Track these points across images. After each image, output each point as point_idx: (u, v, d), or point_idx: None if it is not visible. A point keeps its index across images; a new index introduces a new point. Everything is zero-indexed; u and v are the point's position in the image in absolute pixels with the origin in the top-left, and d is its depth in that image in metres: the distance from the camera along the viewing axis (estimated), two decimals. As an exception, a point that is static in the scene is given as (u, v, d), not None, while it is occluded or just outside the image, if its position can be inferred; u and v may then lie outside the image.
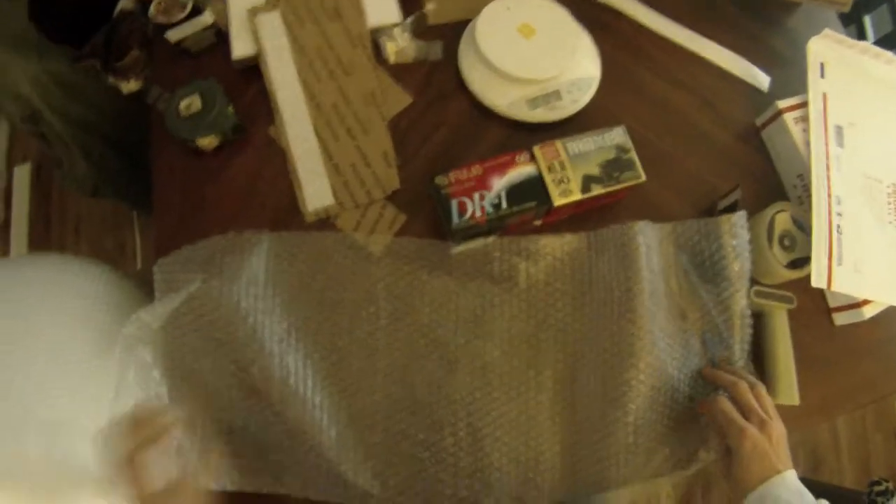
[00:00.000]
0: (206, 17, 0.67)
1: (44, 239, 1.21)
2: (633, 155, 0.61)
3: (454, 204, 0.57)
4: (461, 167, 0.58)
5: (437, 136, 0.66)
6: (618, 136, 0.61)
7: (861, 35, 0.95)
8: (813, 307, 0.70)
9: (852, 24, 0.95)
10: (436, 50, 0.67)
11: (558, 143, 0.60)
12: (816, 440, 1.48)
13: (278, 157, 0.65)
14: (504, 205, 0.58)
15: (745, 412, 0.57)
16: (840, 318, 0.70)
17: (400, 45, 0.67)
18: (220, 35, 0.70)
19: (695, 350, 0.62)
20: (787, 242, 0.65)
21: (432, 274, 0.61)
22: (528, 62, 0.64)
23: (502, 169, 0.59)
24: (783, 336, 0.64)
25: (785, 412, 0.63)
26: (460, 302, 0.61)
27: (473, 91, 0.66)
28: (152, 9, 0.63)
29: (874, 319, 0.67)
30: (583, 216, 0.64)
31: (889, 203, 0.70)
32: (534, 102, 0.65)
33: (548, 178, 0.58)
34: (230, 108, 0.65)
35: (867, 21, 0.95)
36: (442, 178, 0.58)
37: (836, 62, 0.72)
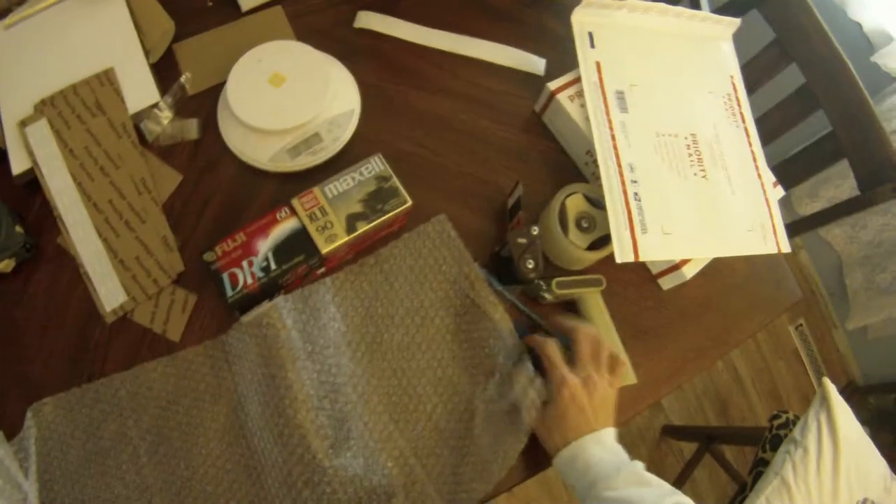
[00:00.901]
0: (-25, 143, 0.68)
1: None
2: (395, 181, 0.61)
3: (225, 277, 0.58)
4: (226, 238, 0.59)
5: (212, 207, 0.66)
6: (375, 166, 0.61)
7: None
8: (638, 278, 0.69)
9: None
10: (190, 129, 0.68)
11: (316, 190, 0.60)
12: (717, 382, 1.45)
13: (71, 266, 0.66)
14: (273, 266, 0.58)
15: (575, 361, 0.57)
16: (665, 283, 0.69)
17: (159, 129, 0.67)
18: (1, 152, 0.71)
19: (510, 340, 0.61)
20: (585, 224, 0.64)
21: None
22: (279, 113, 0.64)
23: (265, 230, 0.59)
24: (601, 319, 0.64)
25: (633, 390, 0.63)
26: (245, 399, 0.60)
27: (235, 153, 0.66)
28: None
29: (702, 275, 0.66)
30: (368, 250, 0.64)
31: (690, 155, 0.68)
32: (295, 151, 0.65)
33: (311, 228, 0.59)
34: (17, 228, 0.66)
35: None
36: (210, 254, 0.59)
37: (605, 27, 0.70)
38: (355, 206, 0.60)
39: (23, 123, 0.69)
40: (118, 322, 0.64)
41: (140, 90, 0.69)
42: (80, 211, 0.67)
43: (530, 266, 0.59)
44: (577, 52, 0.68)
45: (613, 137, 0.67)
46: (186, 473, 0.59)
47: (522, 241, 0.59)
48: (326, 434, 0.58)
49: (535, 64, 0.72)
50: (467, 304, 0.62)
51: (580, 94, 0.68)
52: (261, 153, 0.65)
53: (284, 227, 0.59)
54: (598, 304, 0.65)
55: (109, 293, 0.65)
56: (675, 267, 0.67)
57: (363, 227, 0.59)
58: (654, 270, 0.69)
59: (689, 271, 0.66)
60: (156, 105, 0.68)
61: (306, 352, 0.59)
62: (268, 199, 0.66)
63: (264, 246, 0.59)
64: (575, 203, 0.65)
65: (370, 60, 0.70)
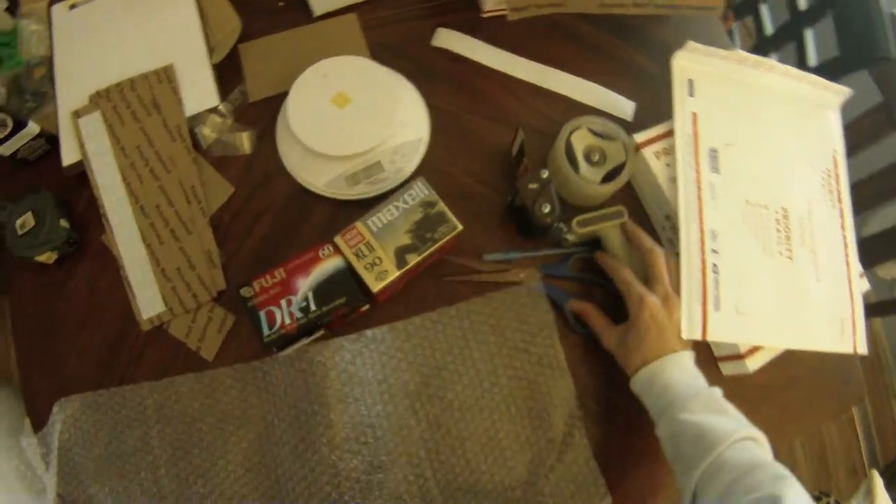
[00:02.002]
0: (31, 129, 0.66)
1: None
2: (441, 206, 0.56)
3: (263, 316, 0.55)
4: (265, 273, 0.56)
5: (261, 226, 0.63)
6: (419, 192, 0.57)
7: (759, 27, 0.82)
8: (700, 357, 0.63)
9: (749, 14, 0.82)
10: (245, 142, 0.64)
11: (359, 225, 0.56)
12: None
13: (113, 265, 0.64)
14: (313, 306, 0.55)
15: (652, 281, 0.55)
16: (726, 369, 0.63)
17: (214, 136, 0.64)
18: (52, 140, 0.69)
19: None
20: (595, 157, 0.60)
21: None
22: (340, 137, 0.60)
23: (306, 268, 0.56)
24: (626, 253, 0.60)
25: None
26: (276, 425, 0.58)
27: (292, 172, 0.62)
28: (-25, 131, 0.63)
29: (767, 365, 0.60)
30: (417, 277, 0.60)
31: (778, 231, 0.61)
32: (353, 178, 0.61)
33: (359, 266, 0.55)
34: (62, 222, 0.65)
35: (764, 11, 0.82)
36: (247, 290, 0.56)
37: (707, 77, 0.63)
38: (403, 238, 0.56)
39: (77, 114, 0.67)
40: (154, 331, 0.62)
41: (199, 92, 0.66)
42: (126, 212, 0.64)
43: (546, 210, 0.56)
44: (673, 99, 0.61)
45: (700, 199, 0.60)
46: (203, 491, 0.58)
47: (534, 186, 0.56)
48: (358, 478, 0.56)
49: (623, 107, 0.65)
50: (537, 374, 0.59)
51: (667, 151, 0.62)
52: (317, 177, 0.61)
53: (327, 266, 0.56)
54: (619, 238, 0.61)
55: (148, 301, 0.63)
56: (739, 357, 0.60)
57: (414, 260, 0.55)
58: (717, 353, 0.63)
59: (753, 364, 0.60)
60: (214, 110, 0.65)
61: (353, 396, 0.56)
62: (320, 223, 0.63)
63: (304, 285, 0.55)
64: (581, 138, 0.60)
65: (444, 83, 0.65)
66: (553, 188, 0.57)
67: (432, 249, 0.56)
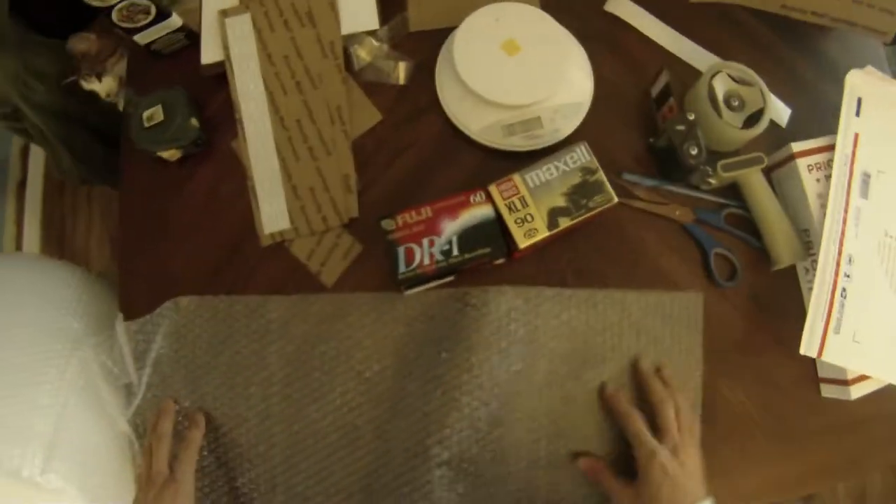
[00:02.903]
0: (174, 21, 0.63)
1: (59, 230, 1.21)
2: (601, 175, 0.54)
3: (401, 252, 0.53)
4: (410, 209, 0.54)
5: (405, 160, 0.61)
6: (581, 156, 0.55)
7: None
8: (800, 371, 0.62)
9: None
10: (400, 71, 0.62)
11: (516, 178, 0.54)
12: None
13: (239, 173, 0.62)
14: (455, 251, 0.53)
15: (662, 432, 0.53)
16: (826, 391, 0.62)
17: (369, 59, 0.61)
18: (193, 37, 0.66)
19: None
20: (734, 103, 0.60)
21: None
22: (506, 85, 0.58)
23: (455, 211, 0.54)
24: (766, 197, 0.60)
25: (765, 482, 0.58)
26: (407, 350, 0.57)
27: (447, 111, 0.60)
28: (115, 15, 0.60)
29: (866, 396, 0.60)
30: (554, 243, 0.58)
31: None
32: (510, 129, 0.59)
33: (509, 219, 0.53)
34: (193, 121, 0.62)
35: None
36: (389, 222, 0.54)
37: (876, 98, 0.62)
38: (558, 199, 0.54)
39: (224, 13, 0.65)
40: (272, 247, 0.60)
41: (359, 11, 0.63)
42: (265, 122, 0.62)
43: (694, 152, 0.56)
44: (840, 117, 0.60)
45: (845, 221, 0.59)
46: (316, 416, 0.56)
47: (681, 128, 0.56)
48: (480, 428, 0.54)
49: (780, 112, 0.64)
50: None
51: (821, 166, 0.60)
52: (473, 120, 0.59)
53: (476, 212, 0.54)
54: (761, 182, 0.60)
55: (272, 216, 0.61)
56: (844, 383, 0.60)
57: (565, 224, 0.53)
58: (822, 373, 0.62)
59: (856, 392, 0.59)
60: (372, 33, 0.63)
61: (498, 347, 0.55)
62: (467, 168, 0.61)
63: (450, 228, 0.53)
64: (721, 83, 0.59)
65: (608, 50, 0.63)
66: (699, 131, 0.56)
67: (586, 216, 0.54)
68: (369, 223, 0.60)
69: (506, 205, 0.53)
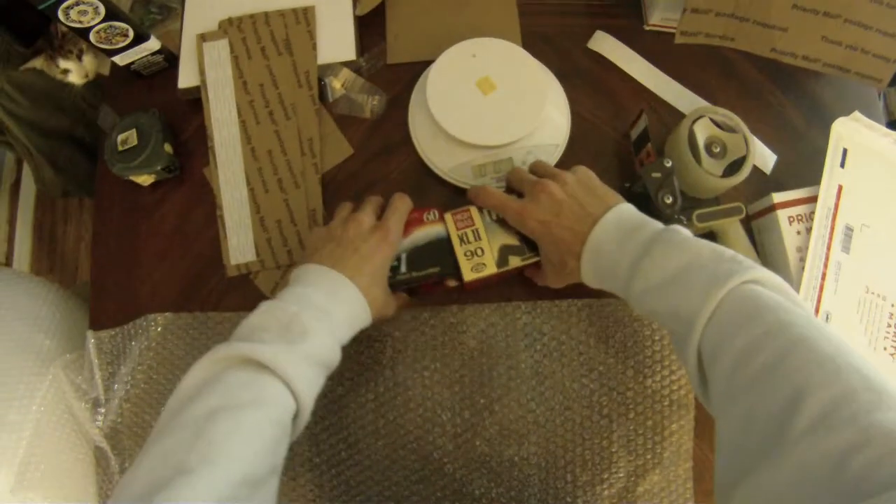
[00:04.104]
0: (151, 44, 0.63)
1: (50, 235, 1.22)
2: None
3: None
4: None
5: (373, 195, 0.60)
6: None
7: None
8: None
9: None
10: (375, 105, 0.61)
11: (473, 211, 0.53)
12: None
13: (210, 200, 0.62)
14: (403, 269, 0.52)
15: (524, 191, 0.51)
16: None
17: (343, 92, 0.61)
18: (172, 59, 0.66)
19: None
20: (716, 149, 0.58)
21: None
22: (478, 125, 0.56)
23: (406, 228, 0.53)
24: (744, 248, 0.59)
25: None
26: None
27: (418, 148, 0.59)
28: (92, 37, 0.60)
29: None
30: (504, 283, 0.57)
31: (889, 326, 0.59)
32: (481, 169, 0.57)
33: (459, 251, 0.52)
34: (167, 146, 0.62)
35: None
36: None
37: (862, 149, 0.60)
38: (512, 238, 0.53)
39: (203, 37, 0.64)
40: (238, 278, 0.60)
41: (337, 41, 0.63)
42: (236, 151, 0.62)
43: (669, 201, 0.55)
44: (824, 168, 0.58)
45: (824, 276, 0.58)
46: None
47: (657, 175, 0.55)
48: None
49: (765, 158, 0.62)
50: (663, 396, 0.58)
51: (802, 218, 0.58)
52: (443, 159, 0.58)
53: (428, 231, 0.53)
54: (739, 233, 0.58)
55: (239, 246, 0.60)
56: None
57: (515, 263, 0.52)
58: None
59: None
60: (348, 64, 0.62)
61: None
62: (434, 206, 0.60)
63: (400, 245, 0.52)
64: (703, 128, 0.58)
65: (589, 90, 0.62)
66: (675, 178, 0.55)
67: (536, 259, 0.52)
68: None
69: (458, 235, 0.52)
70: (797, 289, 0.57)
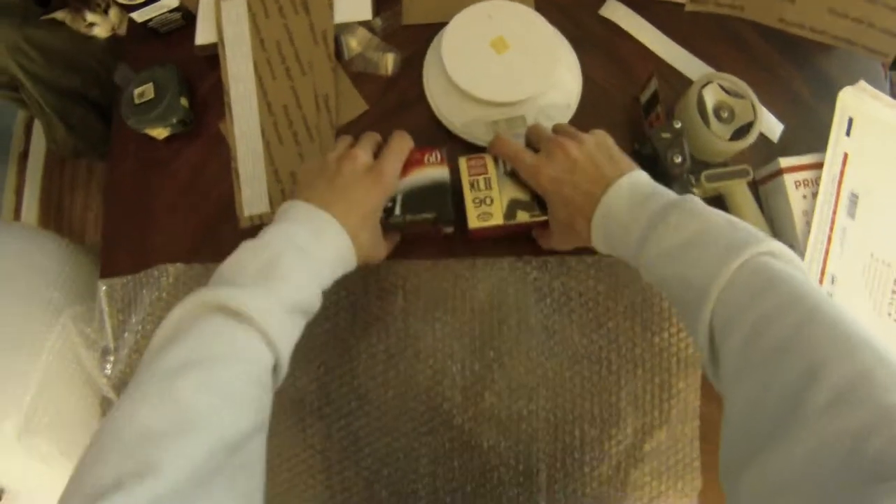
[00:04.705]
0: (170, 1, 0.64)
1: (57, 203, 1.22)
2: None
3: None
4: None
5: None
6: None
7: None
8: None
9: None
10: (389, 62, 0.62)
11: (488, 158, 0.52)
12: None
13: (224, 155, 0.63)
14: (398, 211, 0.50)
15: (540, 147, 0.50)
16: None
17: (359, 50, 0.62)
18: (189, 17, 0.67)
19: None
20: (724, 114, 0.59)
21: None
22: (491, 82, 0.57)
23: (405, 169, 0.51)
24: (751, 210, 0.59)
25: None
26: None
27: (432, 104, 0.60)
28: (116, -12, 0.61)
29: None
30: (509, 237, 0.58)
31: (894, 293, 0.59)
32: (494, 126, 0.58)
33: (468, 197, 0.51)
34: (183, 100, 0.63)
35: None
36: None
37: (867, 119, 0.61)
38: (522, 193, 0.51)
39: (223, -5, 0.65)
40: (251, 229, 0.61)
41: (354, 1, 0.64)
42: (252, 105, 0.63)
43: (678, 161, 0.55)
44: (830, 136, 0.59)
45: (830, 240, 0.58)
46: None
47: (667, 135, 0.55)
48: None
49: (772, 126, 0.63)
50: (671, 354, 0.58)
51: (807, 183, 0.59)
52: (457, 115, 0.59)
53: (428, 173, 0.51)
54: (746, 195, 0.59)
55: (252, 198, 0.61)
56: None
57: (523, 218, 0.51)
58: None
59: None
60: (364, 23, 0.63)
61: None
62: (439, 147, 0.60)
63: (397, 186, 0.50)
64: (711, 93, 0.59)
65: (601, 55, 0.63)
66: (685, 140, 0.55)
67: (544, 218, 0.51)
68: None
69: (469, 181, 0.51)
70: (803, 252, 0.57)
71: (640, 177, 0.45)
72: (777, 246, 0.38)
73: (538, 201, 0.51)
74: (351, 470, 0.56)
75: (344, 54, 0.63)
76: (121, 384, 0.59)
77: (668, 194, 0.44)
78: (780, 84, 0.65)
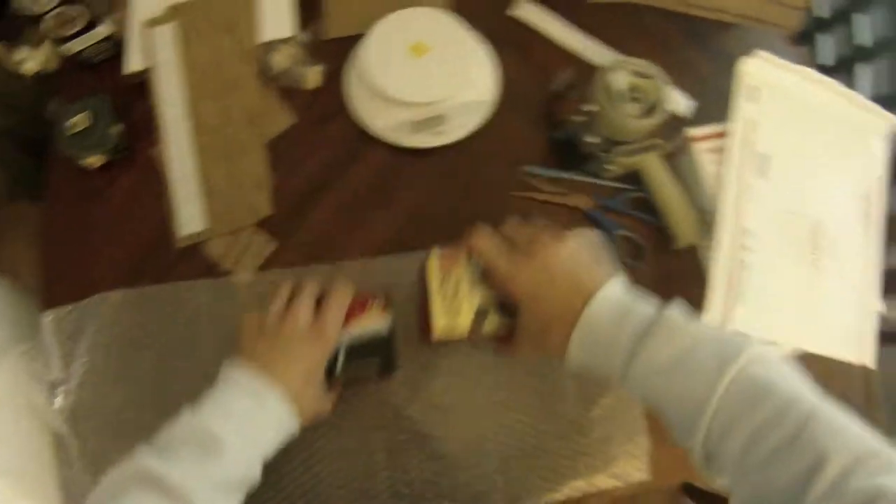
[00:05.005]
0: (101, 30, 0.66)
1: None
2: None
3: None
4: None
5: (316, 160, 0.63)
6: None
7: (814, 57, 0.84)
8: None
9: (806, 44, 0.84)
10: (314, 75, 0.64)
11: (462, 256, 0.48)
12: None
13: (159, 178, 0.64)
14: (340, 365, 0.50)
15: (515, 247, 0.46)
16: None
17: (285, 66, 0.64)
18: (120, 46, 0.69)
19: None
20: (634, 95, 0.61)
21: None
22: (412, 84, 0.60)
23: (348, 318, 0.50)
24: (666, 181, 0.63)
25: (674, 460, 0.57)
26: None
27: (354, 112, 0.62)
28: (49, 22, 0.62)
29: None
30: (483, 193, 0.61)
31: (811, 241, 0.63)
32: (416, 126, 0.61)
33: (436, 301, 0.47)
34: (116, 127, 0.64)
35: (819, 43, 0.84)
36: None
37: (772, 87, 0.65)
38: (492, 301, 0.48)
39: (151, 22, 0.67)
40: (188, 248, 0.62)
41: (277, 20, 0.66)
42: (183, 127, 0.64)
43: (592, 141, 0.59)
44: (733, 101, 0.63)
45: (743, 199, 0.62)
46: None
47: (580, 119, 0.59)
48: None
49: (682, 103, 0.66)
50: None
51: (716, 150, 0.63)
52: (380, 120, 0.61)
53: (369, 322, 0.51)
54: (660, 168, 0.62)
55: (189, 217, 0.62)
56: None
57: (489, 329, 0.48)
58: None
59: None
60: (288, 41, 0.65)
61: None
62: (373, 166, 0.62)
63: (339, 339, 0.49)
64: (621, 77, 0.61)
65: (516, 52, 0.66)
66: (598, 121, 0.58)
67: (512, 328, 0.47)
68: (281, 222, 0.61)
69: (439, 284, 0.48)
70: (719, 209, 0.60)
71: (620, 286, 0.43)
72: (763, 350, 0.39)
73: (505, 308, 0.48)
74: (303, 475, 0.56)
75: (270, 71, 0.65)
76: (72, 416, 0.59)
77: (649, 306, 0.42)
78: (688, 65, 0.69)
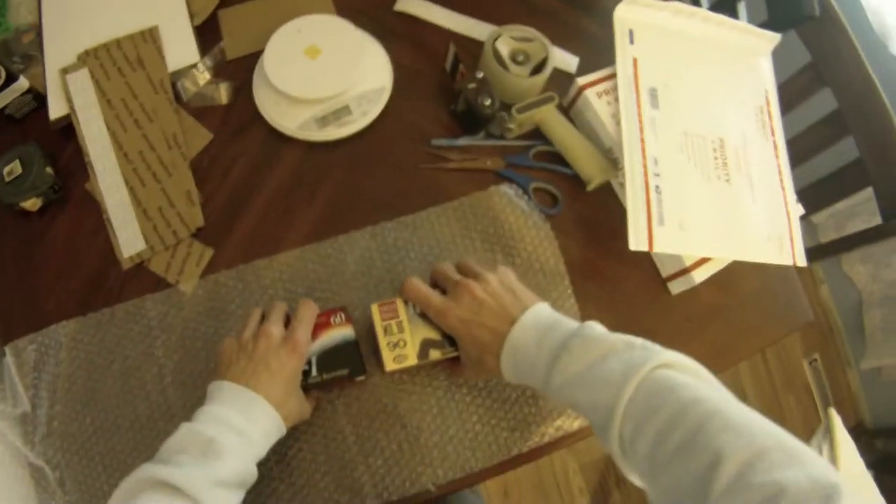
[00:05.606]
0: (21, 84, 0.70)
1: None
2: None
3: None
4: None
5: (238, 168, 0.68)
6: None
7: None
8: (647, 280, 0.69)
9: None
10: (223, 92, 0.69)
11: (399, 303, 0.56)
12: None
13: (95, 210, 0.68)
14: (314, 372, 0.55)
15: (455, 275, 0.54)
16: (674, 287, 0.69)
17: (195, 89, 0.69)
18: (40, 98, 0.73)
19: None
20: (520, 58, 0.68)
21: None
22: (312, 82, 0.66)
23: (315, 332, 0.56)
24: (566, 129, 0.68)
25: None
26: None
27: (266, 118, 0.68)
28: (-37, 83, 0.66)
29: (712, 284, 0.66)
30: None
31: (715, 158, 0.68)
32: (324, 121, 0.66)
33: (382, 342, 0.54)
34: (48, 169, 0.68)
35: None
36: None
37: (646, 27, 0.71)
38: (434, 332, 0.55)
39: (65, 71, 0.72)
40: (133, 269, 0.66)
41: (181, 50, 0.71)
42: (111, 159, 0.69)
43: (488, 103, 0.64)
44: (615, 48, 0.68)
45: (642, 130, 0.66)
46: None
47: (473, 85, 0.64)
48: None
49: (568, 60, 0.72)
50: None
51: (608, 91, 0.68)
52: (290, 120, 0.66)
53: (335, 333, 0.56)
54: (559, 119, 0.67)
55: (129, 240, 0.66)
56: (686, 271, 0.66)
57: (435, 357, 0.54)
58: (664, 273, 0.69)
59: (699, 276, 0.66)
60: (194, 66, 0.70)
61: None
62: (291, 166, 0.68)
63: (309, 350, 0.55)
64: (504, 44, 0.67)
65: (406, 43, 0.72)
66: (490, 85, 0.64)
67: (456, 354, 0.55)
68: (214, 230, 0.66)
69: (383, 326, 0.55)
70: (623, 149, 0.65)
71: (542, 310, 0.50)
72: (670, 356, 0.43)
73: (448, 339, 0.55)
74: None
75: (182, 96, 0.70)
76: (46, 447, 0.61)
77: (569, 324, 0.48)
78: (570, 27, 0.75)
